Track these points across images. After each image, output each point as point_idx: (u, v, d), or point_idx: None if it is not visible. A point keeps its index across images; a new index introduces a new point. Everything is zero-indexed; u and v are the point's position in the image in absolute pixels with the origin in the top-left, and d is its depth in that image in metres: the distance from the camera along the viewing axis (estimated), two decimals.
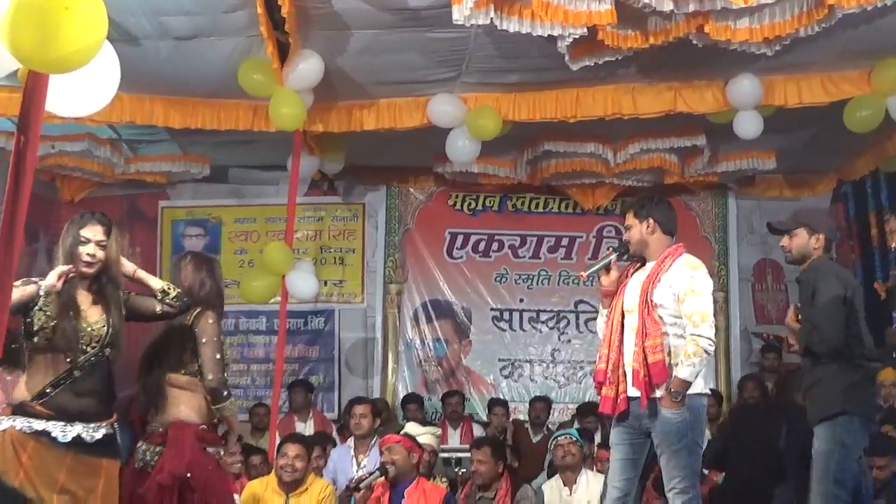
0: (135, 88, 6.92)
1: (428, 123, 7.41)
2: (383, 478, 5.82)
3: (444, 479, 6.64)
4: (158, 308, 4.26)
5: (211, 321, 4.55)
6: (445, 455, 7.57)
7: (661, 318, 4.58)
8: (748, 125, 7.24)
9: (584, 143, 8.34)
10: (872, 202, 9.14)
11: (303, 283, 8.03)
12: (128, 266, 4.30)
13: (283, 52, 6.44)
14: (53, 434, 3.76)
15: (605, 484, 5.22)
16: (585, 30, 5.63)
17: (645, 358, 4.53)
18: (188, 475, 4.31)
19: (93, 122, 7.32)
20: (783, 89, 7.06)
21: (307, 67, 6.57)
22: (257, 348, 9.58)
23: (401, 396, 9.41)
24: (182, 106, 7.37)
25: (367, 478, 5.94)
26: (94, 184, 9.08)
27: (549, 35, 5.72)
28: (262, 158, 9.22)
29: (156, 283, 4.34)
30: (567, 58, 6.16)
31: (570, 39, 5.84)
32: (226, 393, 4.57)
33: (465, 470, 7.12)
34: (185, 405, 4.48)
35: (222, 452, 4.79)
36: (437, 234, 9.99)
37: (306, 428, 8.35)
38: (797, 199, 9.88)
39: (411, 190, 10.02)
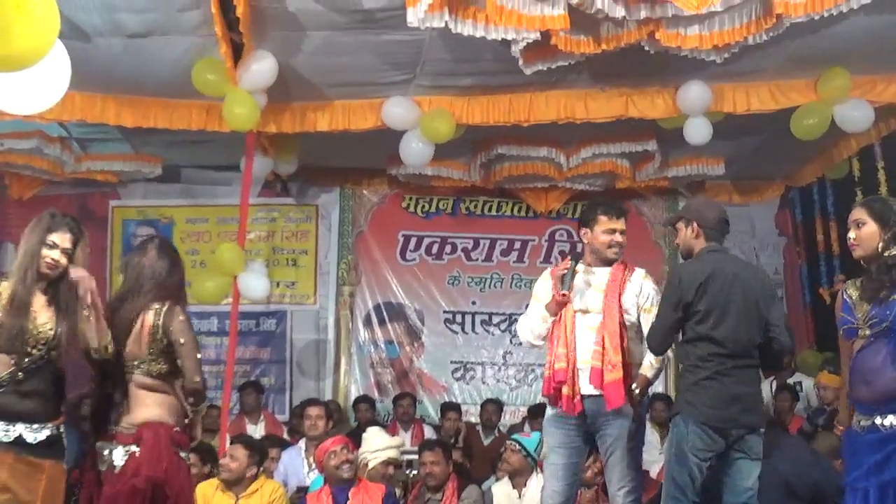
0: (86, 86, 6.83)
1: (382, 125, 7.41)
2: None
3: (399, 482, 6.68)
4: (93, 351, 4.03)
5: (182, 318, 4.19)
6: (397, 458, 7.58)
7: (623, 322, 4.74)
8: (698, 131, 7.33)
9: (536, 146, 8.41)
10: (819, 208, 9.31)
11: (255, 283, 7.99)
12: (87, 299, 3.97)
13: (237, 52, 6.40)
14: None
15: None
16: (539, 34, 5.68)
17: (605, 357, 4.64)
18: (164, 480, 4.07)
19: (43, 119, 7.23)
20: (732, 96, 7.17)
21: (261, 68, 6.54)
22: (208, 349, 9.49)
23: (352, 398, 9.39)
24: (134, 105, 7.30)
25: None
26: (43, 182, 8.97)
27: (502, 39, 5.77)
28: (215, 158, 9.16)
29: (103, 338, 4.04)
30: (520, 62, 6.20)
31: (524, 44, 5.89)
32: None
33: (415, 472, 7.13)
34: (157, 406, 4.19)
35: (191, 456, 4.65)
36: (391, 236, 10.00)
37: (257, 430, 8.32)
38: (745, 204, 10.05)
39: (365, 192, 10.03)
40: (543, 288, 5.02)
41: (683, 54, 6.12)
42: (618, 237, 4.91)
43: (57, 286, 3.94)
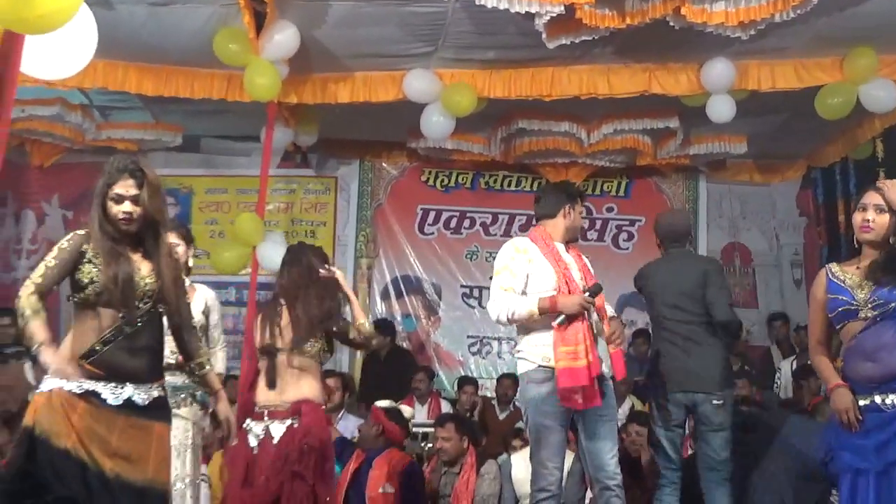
0: (108, 54, 6.83)
1: (403, 98, 7.40)
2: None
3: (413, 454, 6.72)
4: (352, 334, 4.76)
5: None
6: (413, 430, 7.61)
7: None
8: (721, 108, 7.29)
9: (558, 121, 8.37)
10: (841, 189, 9.24)
11: (274, 254, 7.95)
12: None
13: (260, 22, 6.40)
14: (103, 396, 3.46)
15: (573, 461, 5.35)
16: (563, 8, 5.65)
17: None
18: (323, 448, 4.60)
19: (64, 86, 7.25)
20: (757, 74, 7.13)
21: (283, 38, 6.53)
22: (227, 319, 9.47)
23: None
24: (156, 73, 7.32)
25: None
26: (64, 149, 8.99)
27: (526, 12, 5.73)
28: (235, 129, 9.17)
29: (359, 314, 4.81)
30: (544, 36, 6.17)
31: (548, 17, 5.86)
32: None
33: (430, 445, 7.16)
34: (307, 385, 4.67)
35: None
36: (409, 209, 9.99)
37: None
38: (767, 183, 9.99)
39: (384, 165, 10.01)
40: (520, 263, 4.77)
41: (708, 30, 6.08)
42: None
43: (144, 237, 3.66)
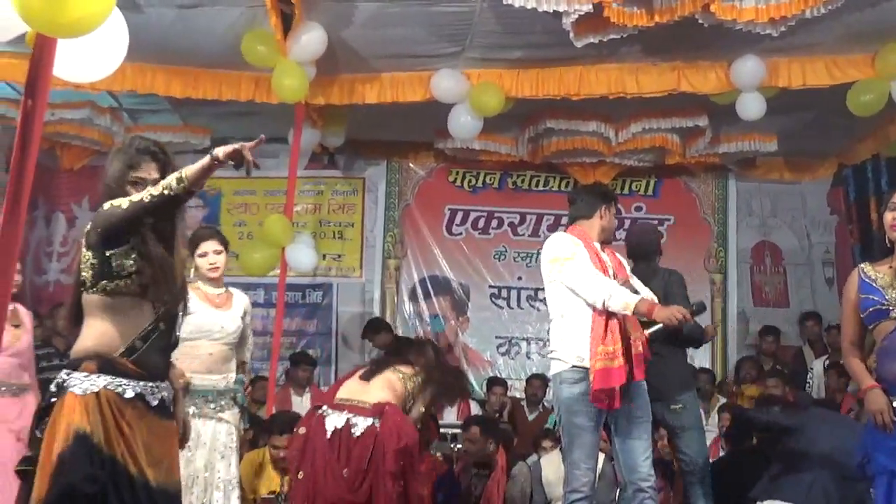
0: (137, 57, 6.80)
1: (430, 98, 7.40)
2: None
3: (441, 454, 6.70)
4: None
5: None
6: (442, 431, 7.62)
7: None
8: (751, 106, 7.23)
9: (585, 121, 8.32)
10: (873, 187, 9.13)
11: (302, 256, 8.04)
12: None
13: (287, 24, 6.42)
14: (147, 398, 3.23)
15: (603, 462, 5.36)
16: (591, 6, 5.63)
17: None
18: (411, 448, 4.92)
19: (94, 89, 7.30)
20: (787, 71, 7.06)
21: (311, 39, 6.54)
22: (255, 320, 9.53)
23: None
24: (184, 76, 7.35)
25: None
26: (93, 152, 9.04)
27: (554, 11, 5.71)
28: (263, 130, 8.99)
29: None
30: (571, 35, 6.14)
31: (576, 16, 5.83)
32: None
33: (459, 446, 7.16)
34: (391, 394, 5.11)
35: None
36: (437, 210, 9.98)
37: (302, 402, 8.35)
38: (797, 182, 9.90)
39: (412, 165, 10.01)
40: (586, 256, 4.78)
41: (738, 27, 6.02)
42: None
43: (167, 226, 3.33)
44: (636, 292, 4.73)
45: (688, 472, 5.49)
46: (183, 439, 3.63)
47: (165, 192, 3.01)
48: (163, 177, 3.20)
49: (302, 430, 5.05)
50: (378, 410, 4.92)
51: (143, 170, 3.26)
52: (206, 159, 3.08)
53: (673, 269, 5.48)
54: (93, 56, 3.56)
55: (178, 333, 3.47)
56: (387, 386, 5.11)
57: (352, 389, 5.14)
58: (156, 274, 3.21)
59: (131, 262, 3.17)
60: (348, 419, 4.93)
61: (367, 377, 5.20)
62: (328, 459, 4.83)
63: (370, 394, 5.05)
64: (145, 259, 3.19)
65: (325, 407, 5.08)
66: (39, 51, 2.96)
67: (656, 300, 4.75)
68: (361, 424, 4.88)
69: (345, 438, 4.86)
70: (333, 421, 4.95)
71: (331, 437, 4.88)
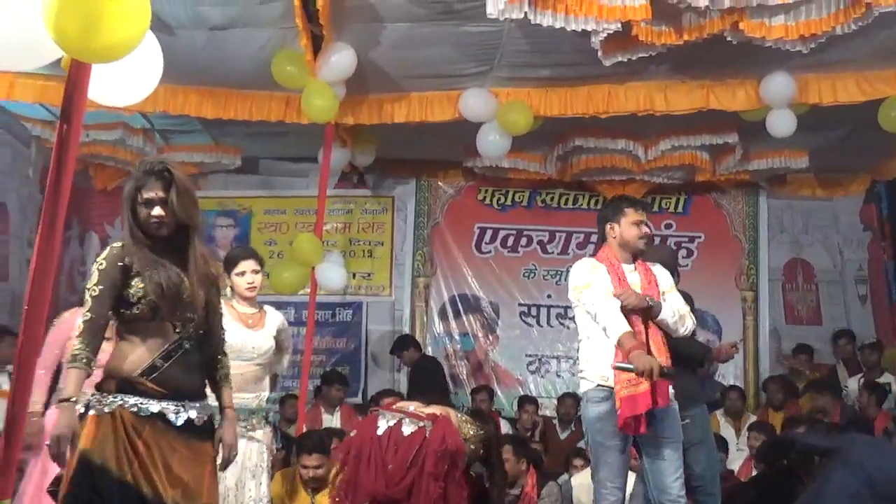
0: (168, 78, 6.75)
1: (459, 117, 7.42)
2: None
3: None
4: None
5: None
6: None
7: None
8: (781, 123, 7.19)
9: (614, 139, 8.33)
10: None
11: (332, 274, 8.07)
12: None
13: (317, 45, 6.48)
14: (169, 416, 3.26)
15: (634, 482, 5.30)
16: (619, 25, 5.62)
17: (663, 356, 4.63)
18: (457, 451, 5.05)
19: (126, 111, 7.38)
20: (817, 87, 7.01)
21: (340, 60, 6.59)
22: None
23: None
24: (215, 96, 7.43)
25: None
26: (126, 173, 9.08)
27: (582, 30, 5.70)
28: (293, 150, 9.26)
29: None
30: (600, 53, 6.14)
31: (604, 35, 5.83)
32: None
33: None
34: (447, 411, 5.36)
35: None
36: (466, 228, 9.99)
37: (333, 420, 8.37)
38: (829, 198, 9.84)
39: (440, 184, 10.04)
40: (604, 280, 4.71)
41: (767, 45, 6.00)
42: (644, 228, 4.88)
43: (179, 243, 3.42)
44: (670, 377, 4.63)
45: (696, 489, 5.26)
46: (226, 461, 3.59)
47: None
48: (168, 195, 3.31)
49: (353, 433, 5.31)
50: (431, 417, 5.13)
51: (149, 190, 3.33)
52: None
53: (684, 290, 5.26)
54: (127, 80, 3.60)
55: (215, 351, 3.55)
56: (445, 412, 5.29)
57: (411, 404, 5.45)
58: (160, 297, 3.29)
59: (135, 289, 3.29)
60: (401, 419, 5.15)
61: (427, 402, 5.44)
62: (373, 452, 5.01)
63: (428, 408, 5.29)
64: (147, 283, 3.29)
65: (380, 410, 5.37)
66: (74, 76, 3.00)
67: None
68: (413, 425, 5.10)
69: (394, 435, 5.07)
70: (386, 420, 5.17)
71: (381, 433, 5.09)
